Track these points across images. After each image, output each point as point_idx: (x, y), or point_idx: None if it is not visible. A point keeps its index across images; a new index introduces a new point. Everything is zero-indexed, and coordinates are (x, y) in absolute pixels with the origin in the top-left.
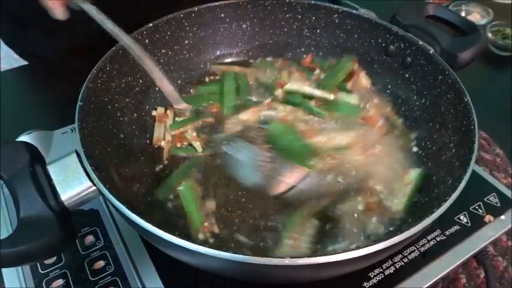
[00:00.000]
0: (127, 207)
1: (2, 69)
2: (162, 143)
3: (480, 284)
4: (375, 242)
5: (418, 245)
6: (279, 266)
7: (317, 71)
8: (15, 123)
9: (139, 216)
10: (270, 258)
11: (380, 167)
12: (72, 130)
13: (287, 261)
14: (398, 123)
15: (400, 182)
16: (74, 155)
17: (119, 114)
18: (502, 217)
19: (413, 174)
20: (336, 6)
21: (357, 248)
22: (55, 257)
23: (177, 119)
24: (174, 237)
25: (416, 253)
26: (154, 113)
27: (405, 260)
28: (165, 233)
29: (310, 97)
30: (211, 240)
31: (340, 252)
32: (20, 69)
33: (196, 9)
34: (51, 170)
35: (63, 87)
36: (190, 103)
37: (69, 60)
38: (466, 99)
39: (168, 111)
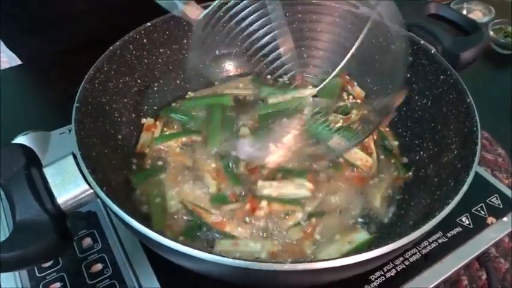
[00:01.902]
0: (124, 211)
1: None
2: (147, 150)
3: (482, 286)
4: (376, 246)
5: (420, 247)
6: (279, 271)
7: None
8: (12, 123)
9: (137, 221)
10: (270, 264)
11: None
12: (69, 131)
13: (287, 267)
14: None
15: (344, 235)
16: (71, 157)
17: (116, 115)
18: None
19: (360, 236)
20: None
21: (358, 253)
22: (52, 260)
23: (165, 129)
24: (173, 242)
25: (417, 255)
26: (143, 120)
27: (406, 262)
28: (164, 238)
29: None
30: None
31: (340, 258)
32: (17, 68)
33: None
34: (48, 172)
35: (61, 87)
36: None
37: (67, 60)
38: (468, 100)
39: (158, 122)
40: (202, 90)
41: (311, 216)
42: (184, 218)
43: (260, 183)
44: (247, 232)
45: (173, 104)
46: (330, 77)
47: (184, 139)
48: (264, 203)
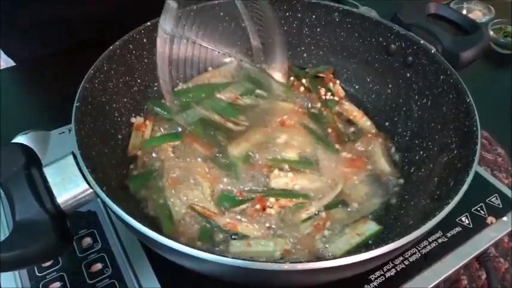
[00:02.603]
0: (124, 211)
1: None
2: (139, 153)
3: (482, 286)
4: (376, 246)
5: (419, 246)
6: (278, 271)
7: (291, 78)
8: (11, 122)
9: (136, 221)
10: (270, 264)
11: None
12: (69, 130)
13: (286, 267)
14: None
15: (353, 228)
16: (71, 156)
17: (116, 115)
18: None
19: (369, 228)
20: (336, 5)
21: (357, 253)
22: (52, 260)
23: (156, 128)
24: (173, 242)
25: (417, 255)
26: (133, 120)
27: (406, 262)
28: (164, 238)
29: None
30: None
31: (340, 258)
32: (17, 68)
33: (194, 7)
34: (48, 172)
35: (60, 86)
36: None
37: (66, 60)
38: (468, 100)
39: (147, 121)
40: (193, 79)
41: (328, 208)
42: (194, 222)
43: (276, 172)
44: (259, 230)
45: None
46: None
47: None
48: (272, 199)
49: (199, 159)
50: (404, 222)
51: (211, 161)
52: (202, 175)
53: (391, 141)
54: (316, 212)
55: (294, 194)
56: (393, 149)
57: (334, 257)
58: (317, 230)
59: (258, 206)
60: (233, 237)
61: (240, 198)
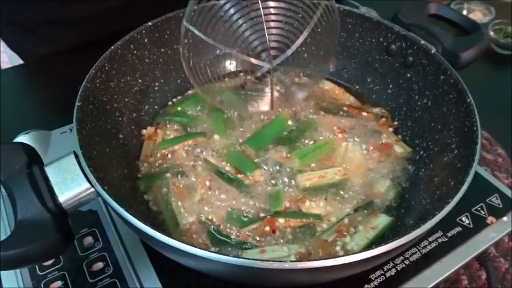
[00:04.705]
0: (125, 210)
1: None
2: (151, 159)
3: (482, 286)
4: (376, 245)
5: (420, 246)
6: (279, 269)
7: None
8: (13, 122)
9: (138, 220)
10: (270, 262)
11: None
12: (70, 130)
13: (287, 265)
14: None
15: (366, 223)
16: (72, 156)
17: (117, 114)
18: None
19: (381, 220)
20: (336, 5)
21: (357, 252)
22: (53, 259)
23: (168, 132)
24: (174, 241)
25: (417, 255)
26: (144, 132)
27: (406, 261)
28: (165, 237)
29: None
30: None
31: (339, 256)
32: (18, 67)
33: (195, 7)
34: (49, 171)
35: (62, 86)
36: (179, 119)
37: (68, 59)
38: (468, 100)
39: (158, 130)
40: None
41: (357, 210)
42: (202, 232)
43: (307, 203)
44: (273, 241)
45: (170, 103)
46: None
47: (189, 142)
48: (281, 220)
49: (207, 172)
50: (404, 222)
51: (216, 173)
52: (211, 187)
53: None
54: (339, 219)
55: (305, 215)
56: None
57: (338, 255)
58: (340, 235)
59: (267, 228)
60: (244, 246)
61: (247, 218)
